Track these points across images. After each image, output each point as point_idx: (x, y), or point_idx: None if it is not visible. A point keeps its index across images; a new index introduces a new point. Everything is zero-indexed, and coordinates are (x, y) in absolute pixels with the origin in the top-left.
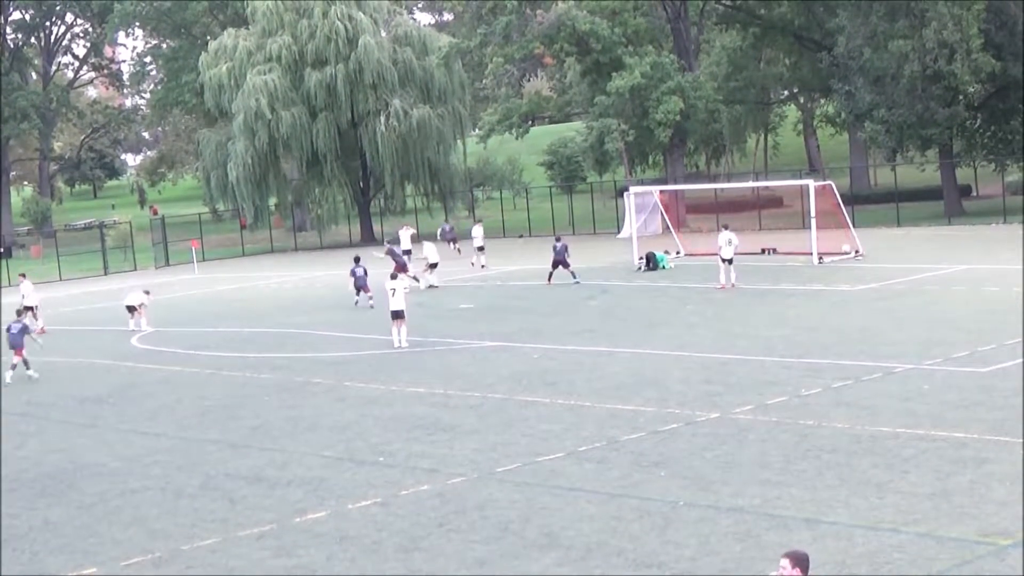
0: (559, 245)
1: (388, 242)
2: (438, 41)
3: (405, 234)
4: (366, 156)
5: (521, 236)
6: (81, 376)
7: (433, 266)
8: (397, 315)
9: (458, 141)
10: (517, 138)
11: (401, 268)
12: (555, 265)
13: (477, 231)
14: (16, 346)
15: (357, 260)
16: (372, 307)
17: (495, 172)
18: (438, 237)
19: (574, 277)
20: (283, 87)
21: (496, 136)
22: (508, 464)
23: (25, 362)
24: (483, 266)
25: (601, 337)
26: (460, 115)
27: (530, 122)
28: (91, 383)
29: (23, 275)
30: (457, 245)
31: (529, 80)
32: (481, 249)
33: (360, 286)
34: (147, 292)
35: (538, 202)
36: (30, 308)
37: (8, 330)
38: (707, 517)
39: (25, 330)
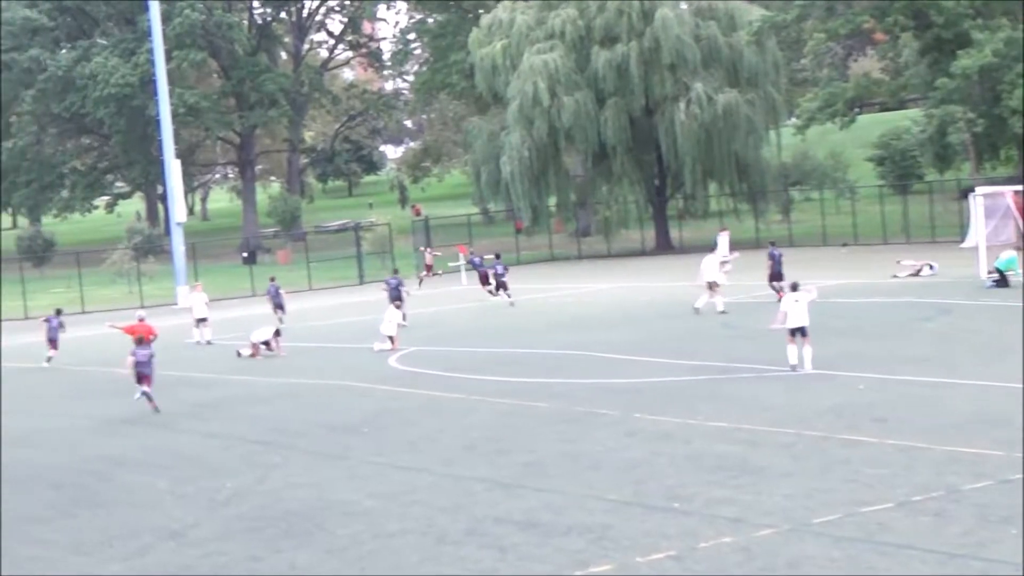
0: (776, 253)
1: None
2: (748, 14)
3: (723, 239)
4: (662, 149)
5: (845, 244)
6: (332, 400)
7: (712, 284)
8: (797, 332)
9: (771, 131)
10: (841, 128)
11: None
12: (775, 277)
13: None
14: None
15: (396, 271)
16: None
17: (815, 168)
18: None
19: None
20: (566, 68)
21: (816, 126)
22: (826, 515)
23: None
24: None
25: (939, 366)
26: (774, 101)
27: (857, 109)
28: (343, 409)
29: (197, 285)
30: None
31: (856, 60)
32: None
33: (395, 298)
34: (278, 333)
35: (866, 204)
36: (202, 319)
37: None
38: None
39: None
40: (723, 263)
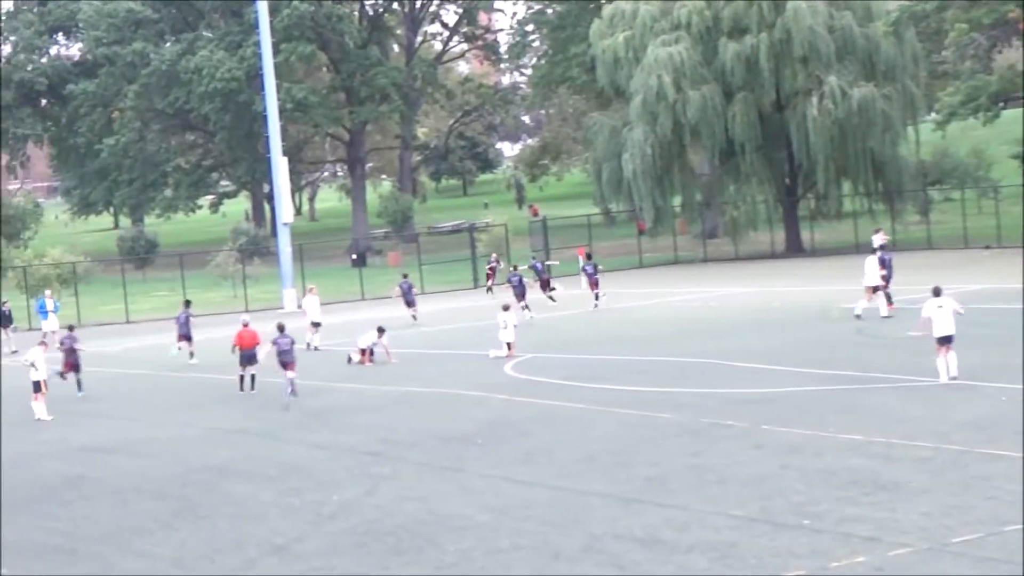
0: (886, 257)
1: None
2: (885, 4)
3: (880, 240)
4: (793, 146)
5: (988, 247)
6: (444, 410)
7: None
8: (945, 341)
9: (909, 127)
10: (984, 124)
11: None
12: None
13: None
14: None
15: (515, 268)
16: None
17: (955, 167)
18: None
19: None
20: (692, 61)
21: (958, 121)
22: (966, 534)
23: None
24: None
25: None
26: (912, 95)
27: (1002, 104)
28: (456, 418)
29: (311, 288)
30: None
31: (1001, 51)
32: None
33: (519, 294)
34: (382, 330)
35: (1010, 205)
36: (316, 324)
37: None
38: None
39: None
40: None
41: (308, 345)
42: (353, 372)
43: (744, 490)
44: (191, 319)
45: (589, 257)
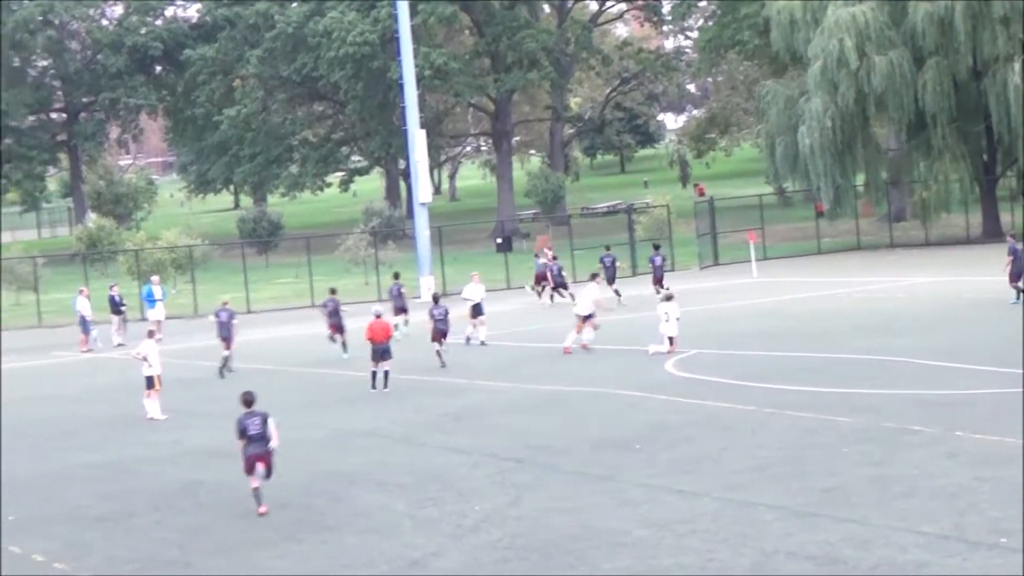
0: (1017, 248)
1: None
2: None
3: None
4: (992, 119)
5: None
6: (597, 412)
7: None
8: None
9: None
10: None
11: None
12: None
13: None
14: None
15: (657, 247)
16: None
17: None
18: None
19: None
20: (878, 23)
21: None
22: None
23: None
24: None
25: None
26: None
27: None
28: (611, 421)
29: (474, 275)
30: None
31: None
32: None
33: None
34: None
35: None
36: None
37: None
38: None
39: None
40: None
41: (468, 339)
42: (496, 369)
43: (934, 504)
44: (402, 295)
45: (657, 248)
